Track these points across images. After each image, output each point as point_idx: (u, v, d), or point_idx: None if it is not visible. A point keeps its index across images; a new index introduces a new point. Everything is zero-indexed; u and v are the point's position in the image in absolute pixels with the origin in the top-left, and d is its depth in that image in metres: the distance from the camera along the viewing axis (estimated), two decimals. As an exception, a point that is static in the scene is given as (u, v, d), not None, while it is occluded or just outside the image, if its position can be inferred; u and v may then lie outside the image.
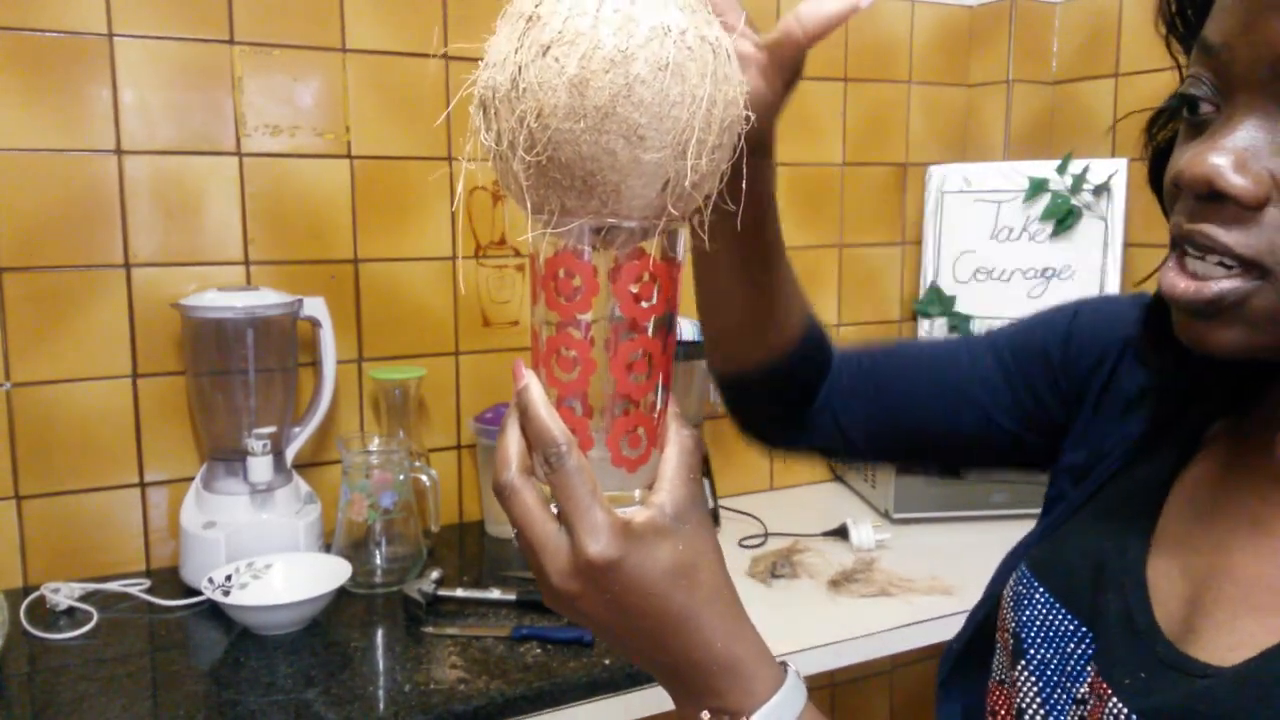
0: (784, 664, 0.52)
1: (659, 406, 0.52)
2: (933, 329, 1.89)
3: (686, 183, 0.48)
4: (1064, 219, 1.76)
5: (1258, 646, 0.48)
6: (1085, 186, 1.75)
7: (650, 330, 0.51)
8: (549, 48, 0.46)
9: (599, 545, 0.47)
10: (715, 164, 0.50)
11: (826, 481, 1.89)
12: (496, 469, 0.50)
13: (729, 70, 0.49)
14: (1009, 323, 0.77)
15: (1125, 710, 0.50)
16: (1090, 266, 1.75)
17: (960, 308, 1.86)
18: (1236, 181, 0.45)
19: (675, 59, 0.46)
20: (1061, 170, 1.77)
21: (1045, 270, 1.80)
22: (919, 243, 1.93)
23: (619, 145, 0.46)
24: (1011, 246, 1.83)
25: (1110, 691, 0.52)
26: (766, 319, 0.73)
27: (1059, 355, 0.71)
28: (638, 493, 0.52)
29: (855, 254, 1.89)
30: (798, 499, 1.79)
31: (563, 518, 0.48)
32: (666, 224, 0.50)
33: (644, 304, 0.50)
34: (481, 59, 0.51)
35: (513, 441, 0.50)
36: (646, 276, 0.50)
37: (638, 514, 0.49)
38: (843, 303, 1.89)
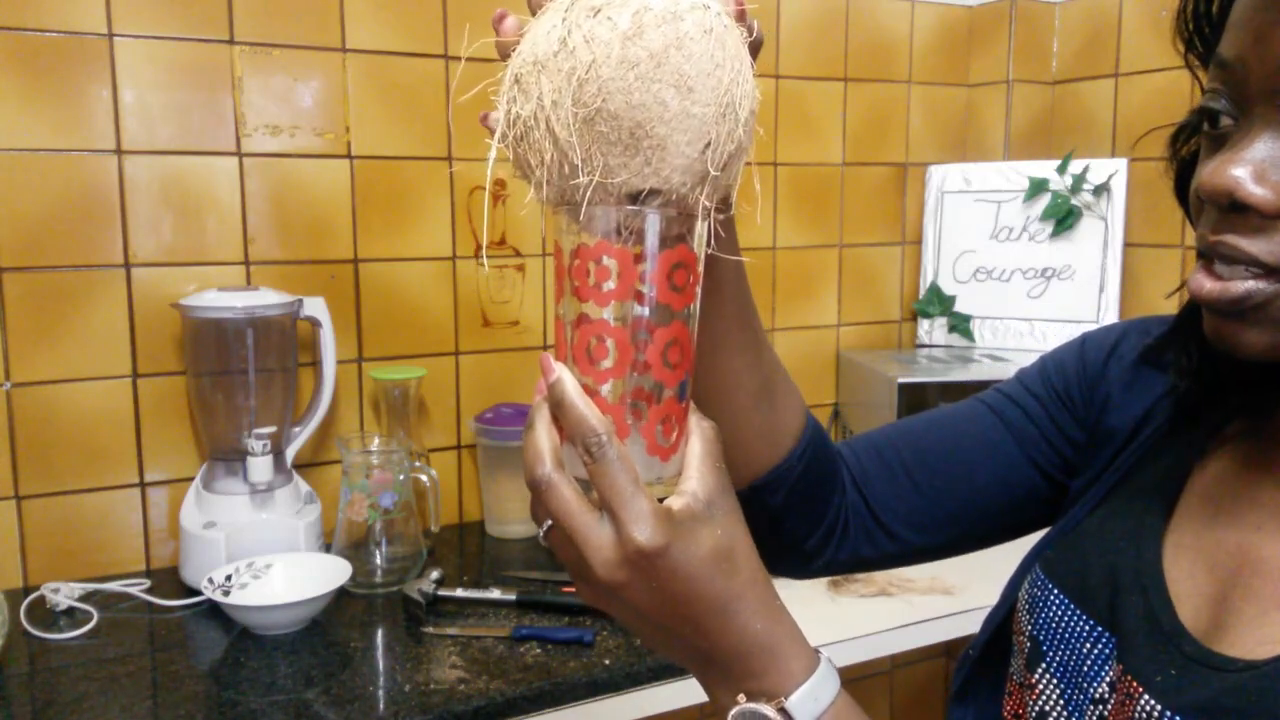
0: (818, 651, 0.53)
1: (686, 395, 0.53)
2: (932, 329, 1.89)
3: (725, 148, 0.49)
4: (1064, 219, 1.76)
5: None
6: (1085, 186, 1.75)
7: (683, 318, 0.52)
8: (600, 10, 0.47)
9: (646, 533, 0.47)
10: (744, 144, 0.51)
11: (826, 481, 1.89)
12: (529, 464, 0.49)
13: (750, 61, 0.51)
14: (1011, 378, 0.74)
15: (1159, 707, 0.50)
16: (1090, 266, 1.75)
17: (960, 308, 1.86)
18: (1256, 192, 0.46)
19: (717, 28, 0.48)
20: (1061, 170, 1.77)
21: (1045, 270, 1.79)
22: (919, 243, 1.93)
23: (669, 95, 0.47)
24: (1011, 246, 1.83)
25: (1141, 689, 0.52)
26: (771, 404, 0.68)
27: (1077, 386, 0.70)
28: (664, 485, 0.53)
29: (855, 254, 1.89)
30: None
31: (605, 507, 0.48)
32: (696, 201, 0.50)
33: (679, 291, 0.51)
34: (489, 59, 0.52)
35: (544, 436, 0.50)
36: (682, 264, 0.51)
37: (673, 502, 0.49)
38: (843, 303, 1.89)
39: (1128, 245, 1.74)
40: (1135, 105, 1.77)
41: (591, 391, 0.51)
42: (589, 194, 0.49)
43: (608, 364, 0.51)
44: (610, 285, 0.50)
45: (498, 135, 0.51)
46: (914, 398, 1.61)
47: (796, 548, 0.71)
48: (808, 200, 1.83)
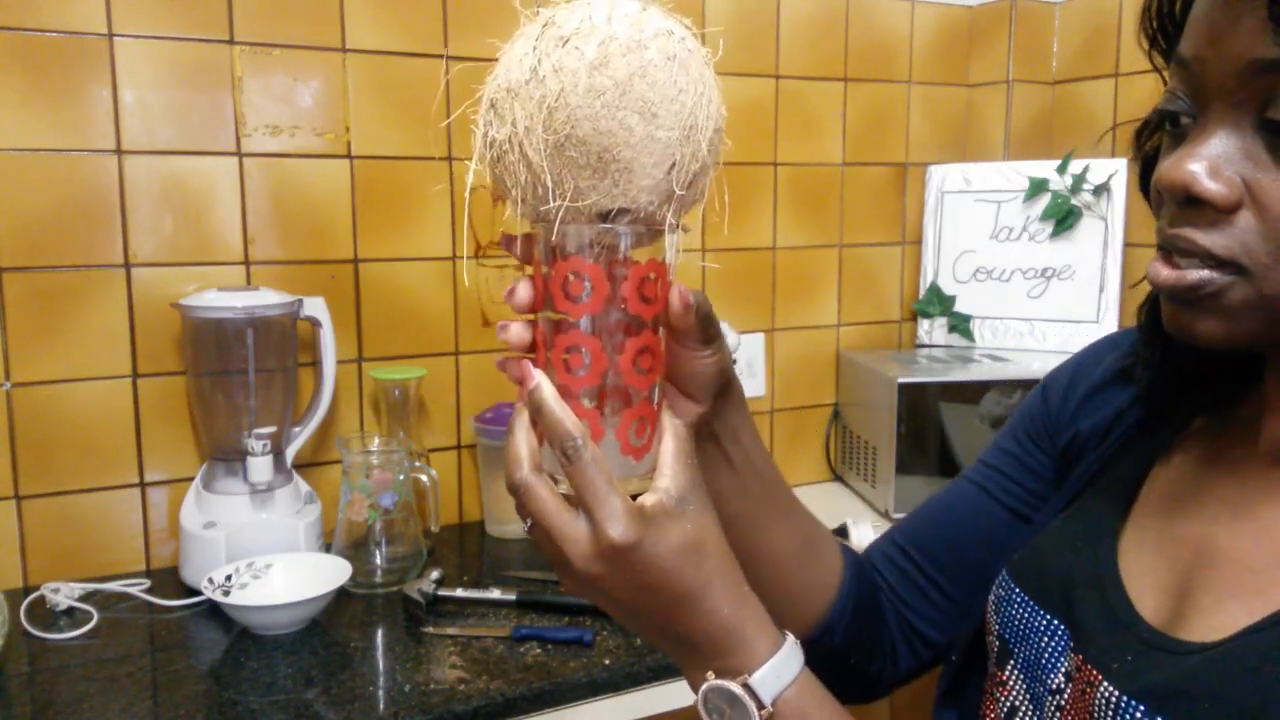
0: (784, 632, 0.56)
1: (658, 398, 0.56)
2: (932, 329, 1.89)
3: (689, 168, 0.52)
4: (1064, 219, 1.76)
5: (1239, 627, 0.50)
6: (1085, 186, 1.75)
7: (653, 326, 0.55)
8: (568, 40, 0.50)
9: (619, 529, 0.50)
10: (708, 163, 0.54)
11: (827, 481, 1.89)
12: (509, 468, 0.52)
13: (715, 82, 0.54)
14: (990, 444, 0.76)
15: (1117, 693, 0.52)
16: (1090, 266, 1.75)
17: (960, 308, 1.86)
18: (1210, 187, 0.48)
19: (680, 54, 0.51)
20: (1061, 170, 1.77)
21: (1045, 270, 1.79)
22: (919, 243, 1.93)
23: (634, 120, 0.50)
24: (1011, 246, 1.83)
25: (1100, 677, 0.53)
26: (812, 558, 0.72)
27: (1043, 428, 0.72)
28: (637, 481, 0.56)
29: (855, 254, 1.89)
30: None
31: (581, 506, 0.51)
32: (663, 218, 0.53)
33: (648, 302, 0.54)
34: (488, 59, 0.53)
35: (522, 440, 0.53)
36: (651, 277, 0.54)
37: (647, 498, 0.52)
38: (843, 303, 1.89)
39: (1128, 245, 1.73)
40: (1135, 105, 1.77)
41: (569, 395, 0.54)
42: (562, 213, 0.52)
43: (583, 370, 0.54)
44: (584, 297, 0.53)
45: (475, 157, 0.54)
46: (914, 398, 1.61)
47: (864, 678, 0.75)
48: (808, 200, 1.83)
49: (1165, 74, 0.56)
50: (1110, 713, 0.51)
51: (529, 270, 0.57)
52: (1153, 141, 0.59)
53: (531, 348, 0.57)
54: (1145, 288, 0.57)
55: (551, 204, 0.51)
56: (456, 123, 1.51)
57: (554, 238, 0.53)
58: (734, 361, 1.70)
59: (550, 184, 0.51)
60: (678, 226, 0.54)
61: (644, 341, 0.55)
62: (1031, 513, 0.72)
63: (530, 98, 0.50)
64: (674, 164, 0.52)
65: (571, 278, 0.53)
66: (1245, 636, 0.49)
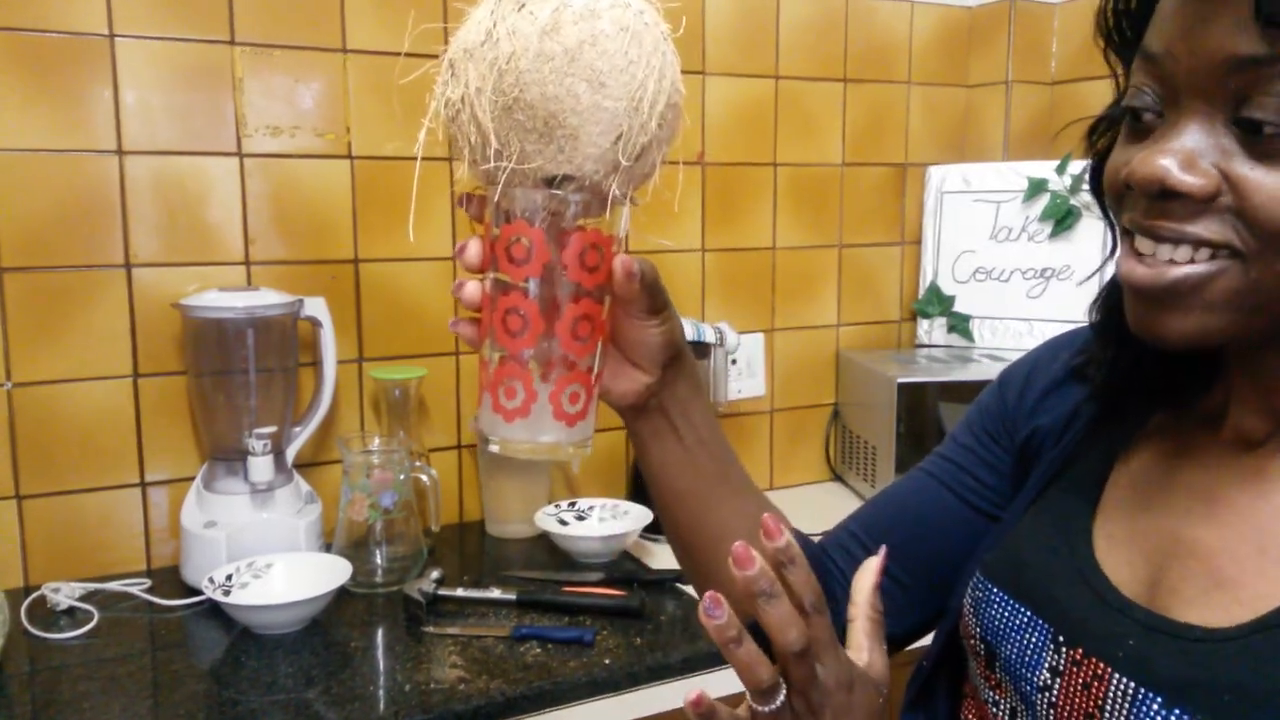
0: None
1: (597, 369, 0.57)
2: (932, 329, 1.89)
3: (637, 140, 0.52)
4: (1063, 219, 1.77)
5: (1234, 618, 0.49)
6: (1084, 187, 1.74)
7: (594, 296, 0.56)
8: (524, 5, 0.51)
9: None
10: (659, 138, 0.54)
11: (826, 481, 1.89)
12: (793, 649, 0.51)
13: (674, 59, 0.54)
14: (949, 440, 0.76)
15: (1131, 684, 0.51)
16: (1089, 266, 1.75)
17: (960, 308, 1.87)
18: (1185, 179, 0.47)
19: (635, 26, 0.52)
20: (1061, 170, 1.77)
21: (1045, 270, 1.80)
22: (919, 243, 1.93)
23: (581, 88, 0.51)
24: (1011, 246, 1.83)
25: (1108, 668, 0.52)
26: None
27: (999, 423, 0.72)
28: (571, 448, 0.57)
29: (855, 254, 1.89)
30: (798, 498, 1.79)
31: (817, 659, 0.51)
32: (609, 188, 0.54)
33: (590, 271, 0.55)
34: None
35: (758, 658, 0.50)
36: (594, 246, 0.55)
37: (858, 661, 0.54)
38: (843, 303, 1.89)
39: (1127, 245, 1.74)
40: (1135, 106, 1.77)
41: (509, 358, 0.55)
42: (508, 176, 0.53)
43: (522, 334, 0.55)
44: (526, 261, 0.54)
45: (430, 114, 0.56)
46: (914, 398, 1.61)
47: None
48: (808, 200, 1.83)
49: (1121, 77, 0.55)
50: (1126, 704, 0.50)
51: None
52: (1106, 139, 0.58)
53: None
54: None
55: (500, 163, 0.52)
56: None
57: (499, 199, 0.54)
58: (733, 361, 1.71)
59: (496, 145, 0.52)
60: (626, 199, 0.55)
61: (584, 310, 0.55)
62: (990, 508, 0.71)
63: (483, 59, 0.51)
64: (620, 135, 0.52)
65: (515, 240, 0.54)
66: (1262, 626, 0.48)
